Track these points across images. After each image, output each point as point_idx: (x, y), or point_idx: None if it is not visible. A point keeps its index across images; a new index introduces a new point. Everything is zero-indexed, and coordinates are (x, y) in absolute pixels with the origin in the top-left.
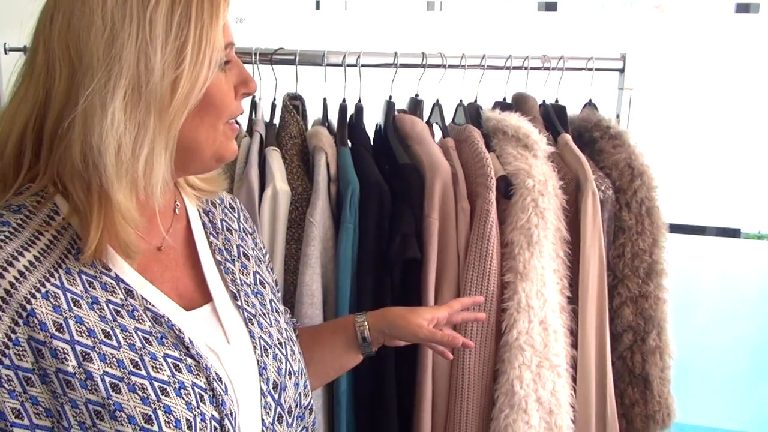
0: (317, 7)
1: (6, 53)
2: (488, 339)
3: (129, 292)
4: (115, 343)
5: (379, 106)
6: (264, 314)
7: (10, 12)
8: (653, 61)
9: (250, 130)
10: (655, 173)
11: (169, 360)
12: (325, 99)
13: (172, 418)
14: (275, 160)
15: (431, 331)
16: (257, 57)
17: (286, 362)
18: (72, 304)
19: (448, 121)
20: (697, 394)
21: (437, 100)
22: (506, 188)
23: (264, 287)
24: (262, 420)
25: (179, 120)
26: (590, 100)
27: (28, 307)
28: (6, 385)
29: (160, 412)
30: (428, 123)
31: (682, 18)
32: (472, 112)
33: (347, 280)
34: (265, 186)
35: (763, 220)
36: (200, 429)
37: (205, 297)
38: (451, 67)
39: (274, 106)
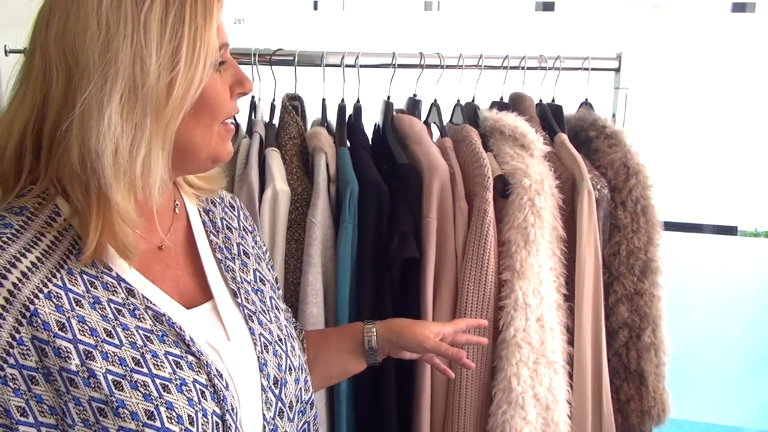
0: (315, 8)
1: (6, 55)
2: (486, 336)
3: (130, 292)
4: (116, 341)
5: (378, 106)
6: (264, 311)
7: (10, 14)
8: (649, 61)
9: (250, 131)
10: (650, 172)
11: (170, 357)
12: (324, 99)
13: (174, 414)
14: (275, 160)
15: (437, 343)
16: (256, 58)
17: (286, 358)
18: (74, 304)
19: (445, 120)
20: (694, 390)
21: (435, 100)
22: (503, 187)
23: (264, 285)
24: (264, 415)
25: (175, 121)
26: (586, 99)
27: (32, 307)
28: (11, 384)
29: (162, 409)
30: (426, 123)
31: (679, 17)
32: (470, 112)
33: (346, 279)
34: (265, 186)
35: (760, 217)
36: (202, 424)
37: (206, 295)
38: (448, 67)
39: (273, 107)
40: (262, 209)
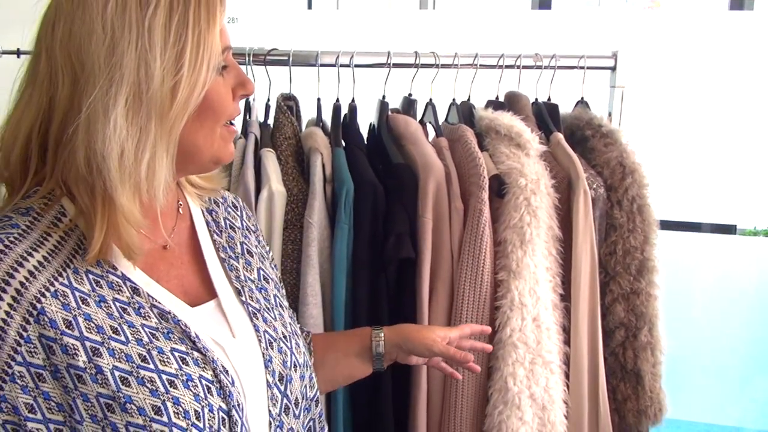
0: (309, 6)
1: (18, 56)
2: (482, 336)
3: (135, 290)
4: (123, 338)
5: (373, 105)
6: (268, 309)
7: (18, 14)
8: (646, 59)
9: (245, 132)
10: (647, 171)
11: (176, 354)
12: (318, 99)
13: (181, 409)
14: (270, 161)
15: (445, 346)
16: (250, 58)
17: (291, 355)
18: (80, 302)
19: (441, 120)
20: (693, 390)
21: (430, 100)
22: (499, 187)
23: (268, 283)
24: (269, 411)
25: (179, 124)
26: (582, 98)
27: (38, 305)
28: (19, 381)
29: (169, 404)
30: (422, 122)
31: (677, 15)
32: (465, 111)
33: (342, 279)
34: (261, 187)
35: (759, 216)
36: (208, 420)
37: (210, 293)
38: (443, 66)
39: (268, 107)
40: (258, 210)
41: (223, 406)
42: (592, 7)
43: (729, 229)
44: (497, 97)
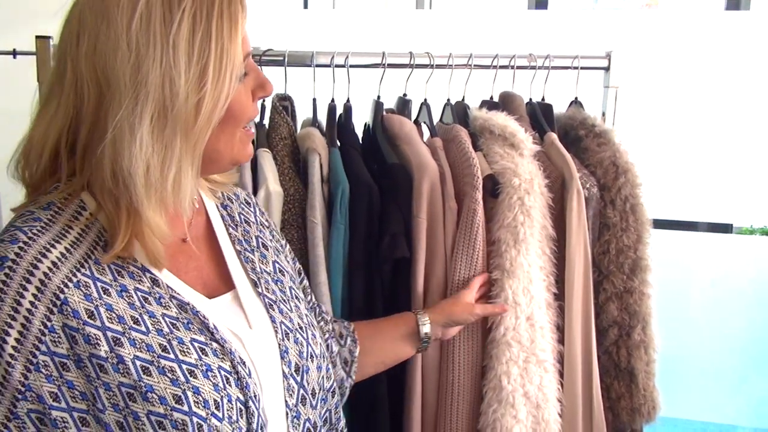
0: (305, 6)
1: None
2: (476, 335)
3: (155, 281)
4: (143, 328)
5: (368, 105)
6: (284, 300)
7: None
8: (641, 59)
9: None
10: (639, 171)
11: (196, 344)
12: (314, 99)
13: (201, 399)
14: (267, 161)
15: (483, 306)
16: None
17: (307, 345)
18: (102, 293)
19: (435, 120)
20: (689, 389)
21: (425, 100)
22: (493, 187)
23: (283, 275)
24: (286, 402)
25: (204, 138)
26: (576, 98)
27: (62, 296)
28: (43, 371)
29: (189, 393)
30: (416, 122)
31: (673, 15)
32: (460, 111)
33: (338, 278)
34: (258, 188)
35: (755, 214)
36: (227, 410)
37: (228, 285)
38: (438, 66)
39: (263, 107)
40: None
41: (241, 396)
42: (588, 7)
43: (725, 228)
44: (491, 98)
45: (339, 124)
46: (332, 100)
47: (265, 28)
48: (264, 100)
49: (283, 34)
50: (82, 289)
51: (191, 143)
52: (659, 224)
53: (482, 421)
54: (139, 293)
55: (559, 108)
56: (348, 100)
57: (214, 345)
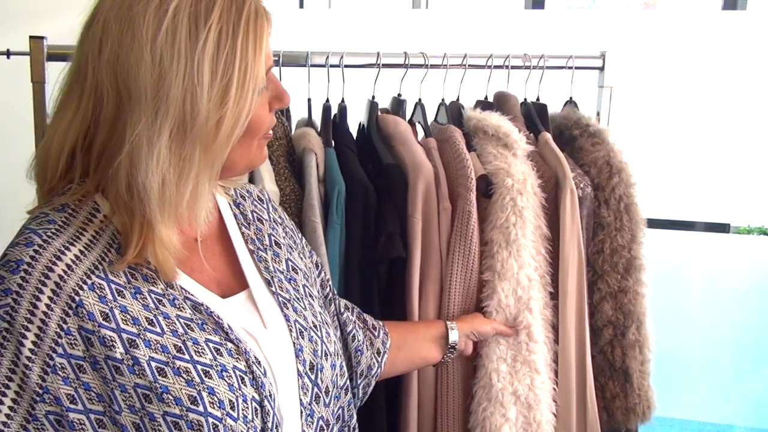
0: (301, 6)
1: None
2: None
3: (168, 283)
4: (158, 329)
5: (363, 105)
6: (298, 299)
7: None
8: (637, 58)
9: None
10: (633, 170)
11: (211, 345)
12: (309, 99)
13: (216, 399)
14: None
15: (500, 325)
16: None
17: (321, 344)
18: (116, 295)
19: (430, 119)
20: (686, 389)
21: (419, 100)
22: (486, 187)
23: (297, 273)
24: (300, 400)
25: (224, 155)
26: (571, 98)
27: (77, 298)
28: (60, 373)
29: (204, 394)
30: (411, 122)
31: (670, 14)
32: (454, 111)
33: (335, 278)
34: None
35: (753, 214)
36: (242, 410)
37: (241, 284)
38: (433, 66)
39: None
40: None
41: (256, 396)
42: (585, 7)
43: (723, 228)
44: (486, 97)
45: (334, 124)
46: (327, 100)
47: None
48: None
49: (279, 33)
50: (97, 291)
51: (210, 160)
52: (657, 224)
53: (472, 420)
54: (153, 295)
55: (554, 108)
56: (343, 100)
57: (229, 345)
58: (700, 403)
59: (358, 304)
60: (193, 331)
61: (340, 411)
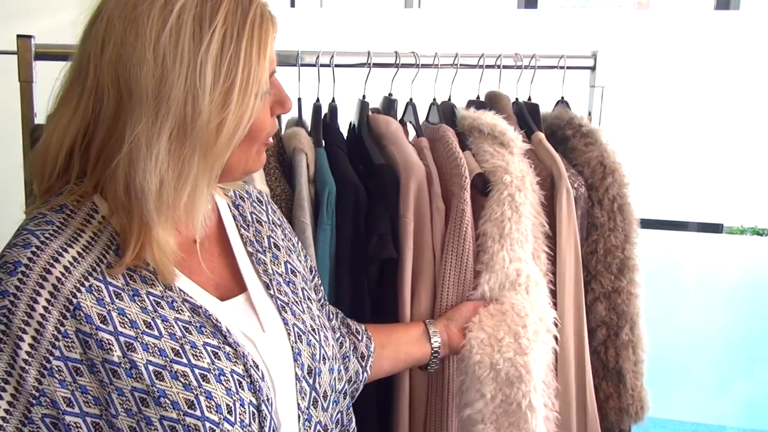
0: (292, 5)
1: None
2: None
3: (167, 285)
4: (156, 333)
5: (353, 105)
6: (296, 302)
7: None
8: (630, 58)
9: None
10: (627, 171)
11: (209, 348)
12: (300, 99)
13: (213, 403)
14: None
15: (479, 303)
16: None
17: (320, 348)
18: (114, 297)
19: (421, 119)
20: (679, 389)
21: (411, 99)
22: (483, 185)
23: (295, 276)
24: (298, 404)
25: (223, 158)
26: (562, 97)
27: (75, 300)
28: (57, 376)
29: (201, 398)
30: (402, 122)
31: (663, 14)
32: (447, 111)
33: (326, 279)
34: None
35: (746, 214)
36: (240, 414)
37: (240, 287)
38: (424, 66)
39: None
40: None
41: (254, 400)
42: (577, 7)
43: (716, 228)
44: (478, 97)
45: (324, 124)
46: (317, 100)
47: None
48: None
49: None
50: (95, 293)
51: (209, 163)
52: (650, 224)
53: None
54: (151, 297)
55: (546, 107)
56: (333, 100)
57: (227, 348)
58: (692, 404)
59: (348, 305)
60: (191, 334)
61: (339, 416)
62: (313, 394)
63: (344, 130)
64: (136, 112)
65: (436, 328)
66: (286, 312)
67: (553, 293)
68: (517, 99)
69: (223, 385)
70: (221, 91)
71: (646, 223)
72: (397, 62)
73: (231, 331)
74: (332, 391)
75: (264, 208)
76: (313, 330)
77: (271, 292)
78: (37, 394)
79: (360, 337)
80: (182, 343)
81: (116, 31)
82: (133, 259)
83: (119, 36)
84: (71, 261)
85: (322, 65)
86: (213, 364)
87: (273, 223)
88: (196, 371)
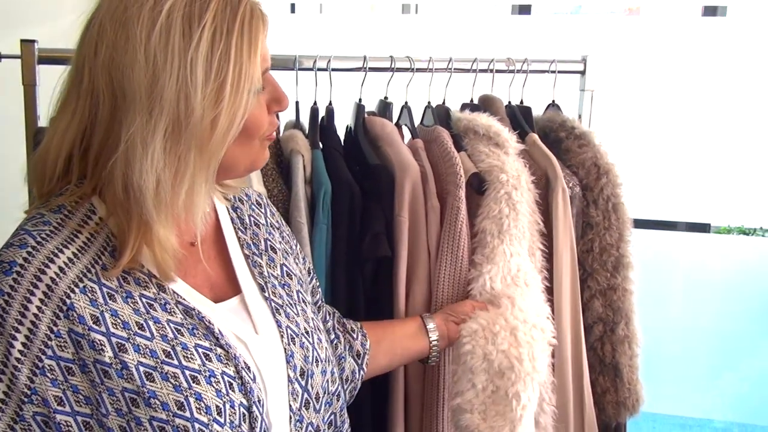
0: (292, 11)
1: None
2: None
3: (161, 287)
4: (148, 334)
5: (350, 108)
6: (291, 305)
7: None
8: (620, 63)
9: None
10: (620, 171)
11: (200, 350)
12: (297, 102)
13: (203, 405)
14: None
15: (478, 302)
16: None
17: (312, 350)
18: (108, 298)
19: (416, 122)
20: (667, 384)
21: (406, 103)
22: (479, 184)
23: (291, 279)
24: (290, 406)
25: (219, 154)
26: (553, 101)
27: (68, 301)
28: (49, 375)
29: (191, 399)
30: (397, 125)
31: (652, 21)
32: (441, 114)
33: (322, 278)
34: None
35: (732, 214)
36: (230, 415)
37: (235, 289)
38: (419, 70)
39: None
40: None
41: (244, 402)
42: (569, 14)
43: (704, 228)
44: (471, 100)
45: (321, 127)
46: (314, 103)
47: None
48: None
49: (271, 38)
50: (89, 294)
51: (205, 159)
52: (639, 224)
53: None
54: (144, 299)
55: (537, 111)
56: (330, 103)
57: (219, 350)
58: (680, 398)
59: (344, 304)
60: (182, 335)
61: (332, 417)
62: (305, 395)
63: (341, 134)
64: (130, 112)
65: (433, 322)
66: (279, 314)
67: (549, 290)
68: (509, 102)
69: (213, 386)
70: (213, 88)
71: (637, 223)
72: (393, 66)
73: (223, 333)
74: (325, 393)
75: (263, 210)
76: (307, 332)
77: (266, 294)
78: (28, 393)
79: (355, 336)
80: (173, 345)
81: (108, 35)
82: (130, 261)
83: (111, 39)
84: (66, 262)
85: (319, 69)
86: (204, 365)
87: (271, 226)
88: (187, 372)
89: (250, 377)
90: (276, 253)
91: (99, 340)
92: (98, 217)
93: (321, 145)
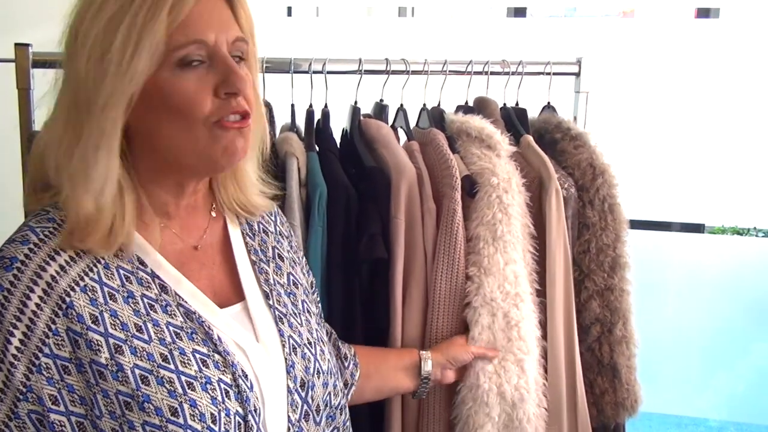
0: (289, 14)
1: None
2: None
3: (163, 288)
4: (146, 337)
5: (345, 111)
6: (295, 314)
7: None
8: (614, 64)
9: None
10: (616, 171)
11: (198, 355)
12: (293, 105)
13: (197, 412)
14: None
15: (479, 348)
16: None
17: (314, 361)
18: (108, 298)
19: (412, 125)
20: (664, 384)
21: (401, 105)
22: (470, 187)
23: (297, 288)
24: (289, 417)
25: (110, 114)
26: (548, 102)
27: (68, 299)
28: (45, 373)
29: (185, 406)
30: (393, 127)
31: (644, 23)
32: (436, 116)
33: (317, 281)
34: None
35: (727, 214)
36: (224, 424)
37: (239, 295)
38: (414, 72)
39: None
40: None
41: (240, 410)
42: (563, 16)
43: (698, 228)
44: (466, 102)
45: (317, 129)
46: (310, 106)
47: None
48: None
49: (267, 41)
50: (89, 293)
51: (95, 118)
52: (634, 224)
53: (455, 413)
54: (145, 300)
55: (532, 112)
56: (326, 106)
57: (216, 357)
58: (676, 398)
59: (340, 306)
60: (181, 340)
61: (335, 431)
62: (305, 407)
63: (337, 136)
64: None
65: (429, 365)
66: (283, 323)
67: (541, 292)
68: (504, 104)
69: (208, 393)
70: (101, 45)
71: (631, 224)
72: (388, 69)
73: (222, 340)
74: (326, 406)
75: (272, 218)
76: (310, 343)
77: (271, 302)
78: (24, 390)
79: (347, 364)
80: (171, 349)
81: (69, 41)
82: (102, 244)
83: (71, 44)
84: (68, 260)
85: (315, 72)
86: (200, 371)
87: (280, 234)
88: (183, 378)
89: (247, 386)
90: (283, 261)
91: (96, 340)
92: None
93: (317, 148)
